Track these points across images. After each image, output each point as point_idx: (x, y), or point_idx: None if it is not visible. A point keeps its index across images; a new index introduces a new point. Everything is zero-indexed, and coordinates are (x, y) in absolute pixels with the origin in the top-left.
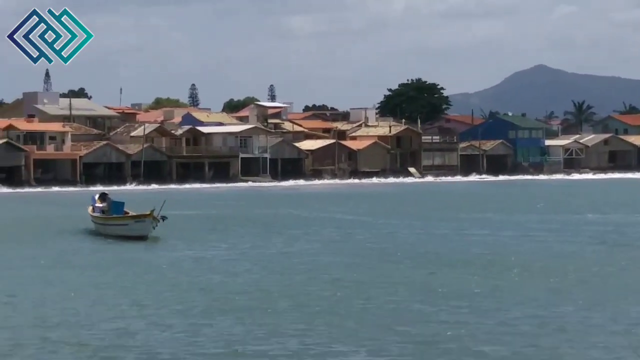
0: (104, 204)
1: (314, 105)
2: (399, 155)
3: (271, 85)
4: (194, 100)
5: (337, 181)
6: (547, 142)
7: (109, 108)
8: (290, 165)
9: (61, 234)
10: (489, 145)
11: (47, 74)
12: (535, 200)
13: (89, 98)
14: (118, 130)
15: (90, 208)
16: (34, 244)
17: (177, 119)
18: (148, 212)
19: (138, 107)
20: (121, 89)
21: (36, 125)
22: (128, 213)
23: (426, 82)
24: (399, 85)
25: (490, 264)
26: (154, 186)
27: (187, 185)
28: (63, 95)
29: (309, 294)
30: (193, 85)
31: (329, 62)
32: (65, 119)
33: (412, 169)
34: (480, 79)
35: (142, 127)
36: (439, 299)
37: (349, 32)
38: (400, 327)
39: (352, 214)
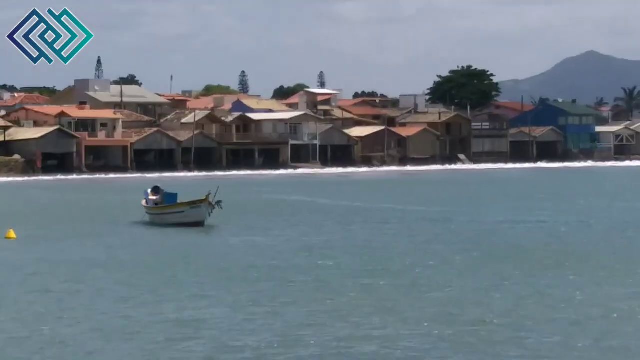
0: (157, 197)
1: (363, 92)
2: (449, 142)
3: (321, 72)
4: (244, 87)
5: (386, 168)
6: (598, 129)
7: (159, 95)
8: (339, 152)
9: (119, 223)
10: (539, 131)
11: (98, 62)
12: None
13: (140, 85)
14: (169, 117)
15: (144, 201)
16: (97, 233)
17: (227, 105)
18: (203, 198)
19: (188, 94)
20: (172, 76)
21: (88, 112)
22: None
23: (476, 68)
24: (449, 72)
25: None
26: (205, 173)
27: (237, 172)
28: (114, 83)
29: (371, 281)
30: (243, 72)
31: (379, 49)
32: (117, 106)
33: (461, 156)
34: (530, 66)
35: (193, 114)
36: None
37: (399, 18)
38: (458, 312)
39: (413, 205)
